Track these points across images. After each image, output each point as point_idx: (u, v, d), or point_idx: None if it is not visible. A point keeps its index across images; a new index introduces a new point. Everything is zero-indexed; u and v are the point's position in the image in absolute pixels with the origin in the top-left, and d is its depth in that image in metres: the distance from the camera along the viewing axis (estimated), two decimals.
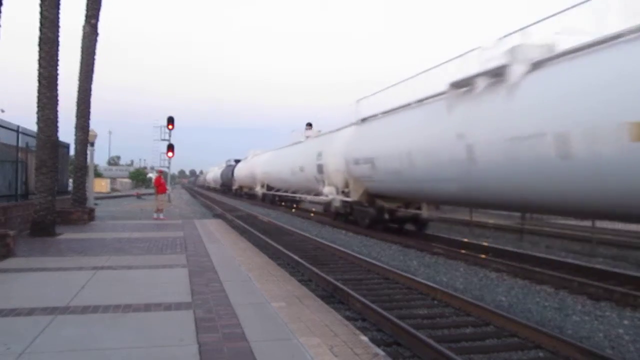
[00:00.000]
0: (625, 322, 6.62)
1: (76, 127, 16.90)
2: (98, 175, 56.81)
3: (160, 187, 20.64)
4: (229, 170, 56.26)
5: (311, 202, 27.30)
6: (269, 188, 34.47)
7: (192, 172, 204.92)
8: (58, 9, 12.46)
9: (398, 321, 5.95)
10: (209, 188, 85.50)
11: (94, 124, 18.17)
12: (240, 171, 47.86)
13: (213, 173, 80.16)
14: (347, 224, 18.87)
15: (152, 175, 65.92)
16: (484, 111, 10.28)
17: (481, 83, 10.63)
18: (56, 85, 12.53)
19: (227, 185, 58.76)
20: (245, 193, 47.20)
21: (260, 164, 37.11)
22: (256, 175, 38.09)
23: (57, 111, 12.68)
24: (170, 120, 32.68)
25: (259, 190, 37.60)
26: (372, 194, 17.26)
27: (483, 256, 11.20)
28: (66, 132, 15.89)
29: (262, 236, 14.87)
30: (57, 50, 12.41)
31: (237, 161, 54.72)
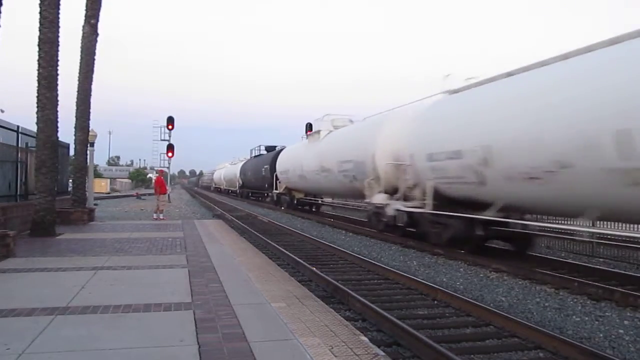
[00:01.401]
0: (626, 322, 6.62)
1: (76, 127, 16.89)
2: (98, 175, 56.77)
3: (161, 187, 20.61)
4: (263, 163, 34.32)
5: None
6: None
7: (192, 172, 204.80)
8: (58, 9, 12.45)
9: (398, 321, 5.94)
10: (219, 190, 66.47)
11: (94, 124, 18.18)
12: (295, 161, 25.90)
13: (226, 170, 59.61)
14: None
15: (152, 176, 65.21)
16: None
17: None
18: (56, 85, 12.53)
19: (253, 188, 39.80)
20: (298, 201, 28.30)
21: (405, 137, 14.28)
22: (372, 167, 16.00)
23: (57, 111, 12.68)
24: (170, 120, 32.62)
25: (387, 205, 15.04)
26: None
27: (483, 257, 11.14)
28: (66, 132, 15.91)
29: (262, 236, 14.86)
30: (57, 50, 12.41)
31: (271, 150, 36.46)
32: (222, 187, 62.95)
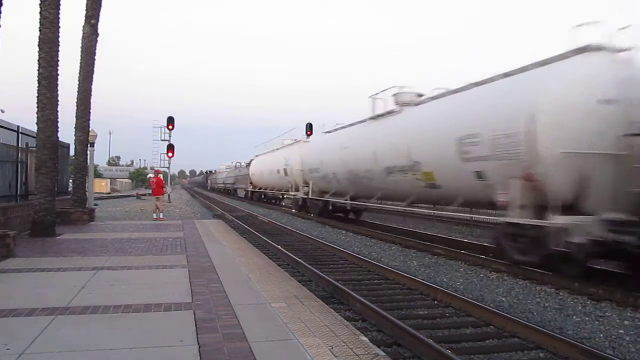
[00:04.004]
0: (626, 322, 6.62)
1: (76, 128, 16.90)
2: (98, 175, 56.77)
3: (159, 189, 20.18)
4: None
5: None
6: None
7: (192, 172, 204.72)
8: (58, 9, 12.46)
9: (398, 322, 5.94)
10: (260, 198, 38.20)
11: (94, 124, 18.20)
12: None
13: (296, 152, 26.29)
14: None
15: (152, 176, 64.70)
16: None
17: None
18: (56, 85, 12.53)
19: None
20: None
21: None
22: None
23: (57, 111, 12.69)
24: (170, 121, 32.62)
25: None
26: None
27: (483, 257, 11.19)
28: (66, 132, 15.92)
29: (262, 236, 14.86)
30: (57, 50, 12.41)
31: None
32: (271, 192, 33.24)
